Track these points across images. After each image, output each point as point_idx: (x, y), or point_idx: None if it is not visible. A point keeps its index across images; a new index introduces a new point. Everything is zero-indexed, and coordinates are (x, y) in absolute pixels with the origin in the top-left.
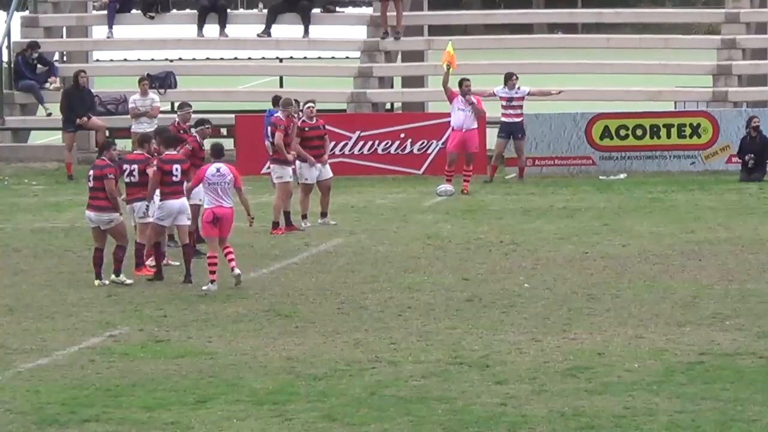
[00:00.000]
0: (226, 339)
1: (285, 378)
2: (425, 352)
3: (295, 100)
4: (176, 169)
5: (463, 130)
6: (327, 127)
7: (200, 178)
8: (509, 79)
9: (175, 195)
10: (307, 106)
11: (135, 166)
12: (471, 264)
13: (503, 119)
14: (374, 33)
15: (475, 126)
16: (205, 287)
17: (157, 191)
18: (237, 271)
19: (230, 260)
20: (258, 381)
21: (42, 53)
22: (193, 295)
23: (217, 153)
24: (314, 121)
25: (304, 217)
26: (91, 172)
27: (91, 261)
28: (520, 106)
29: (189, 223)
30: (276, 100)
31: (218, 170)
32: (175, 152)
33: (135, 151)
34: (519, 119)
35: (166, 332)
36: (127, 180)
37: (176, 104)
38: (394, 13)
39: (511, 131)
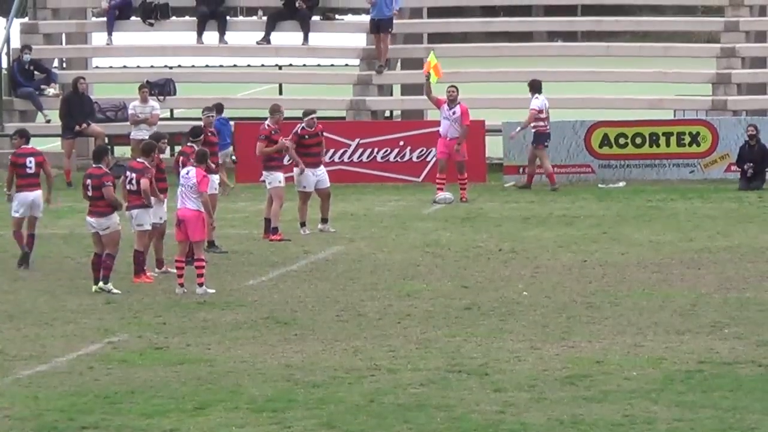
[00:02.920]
0: (225, 346)
1: (284, 385)
2: (424, 359)
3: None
4: (29, 161)
5: (447, 138)
6: (326, 134)
7: None
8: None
9: (30, 187)
10: (309, 117)
11: (134, 175)
12: (470, 272)
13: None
14: (373, 41)
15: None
16: (178, 290)
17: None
18: (200, 290)
19: (198, 275)
20: (257, 388)
21: (38, 60)
22: (192, 303)
23: (198, 158)
24: (313, 129)
25: (303, 224)
26: (89, 182)
27: (89, 267)
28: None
29: (41, 215)
30: (219, 108)
31: (188, 173)
32: (30, 147)
33: (137, 159)
34: (533, 129)
35: (165, 339)
36: (128, 187)
37: (171, 110)
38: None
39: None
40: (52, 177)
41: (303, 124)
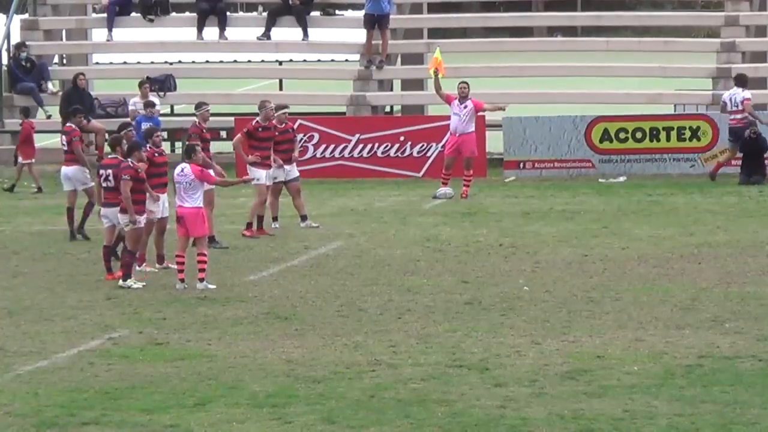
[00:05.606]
0: (226, 342)
1: (284, 381)
2: (425, 354)
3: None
4: (63, 139)
5: (457, 135)
6: (327, 129)
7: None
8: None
9: (66, 162)
10: (281, 112)
11: (109, 171)
12: (470, 267)
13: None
14: (374, 35)
15: (470, 130)
16: (178, 286)
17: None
18: (201, 285)
19: (199, 270)
20: (257, 384)
21: (35, 57)
22: (193, 298)
23: (186, 153)
24: (283, 126)
25: (275, 219)
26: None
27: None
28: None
29: (83, 187)
30: (150, 105)
31: (182, 170)
32: (69, 125)
33: (109, 156)
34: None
35: (166, 335)
36: (104, 185)
37: (174, 106)
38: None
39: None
40: (78, 155)
41: (259, 118)
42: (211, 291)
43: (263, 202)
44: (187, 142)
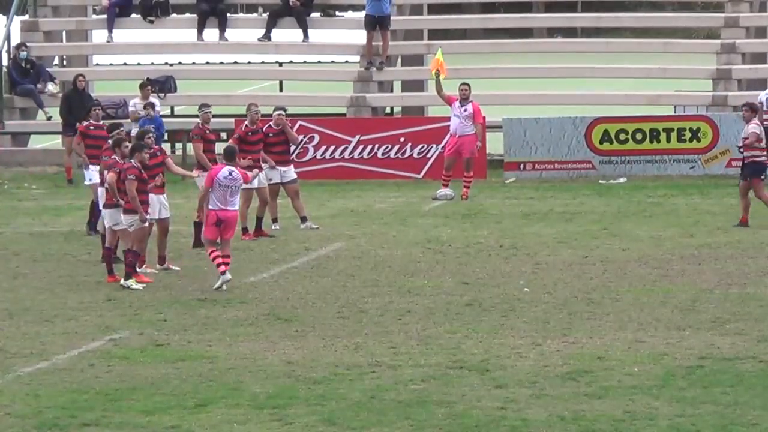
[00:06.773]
0: (226, 343)
1: (285, 382)
2: (425, 356)
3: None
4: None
5: (457, 136)
6: (327, 131)
7: (211, 179)
8: None
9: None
10: (278, 113)
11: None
12: (471, 268)
13: None
14: (374, 36)
15: (470, 132)
16: (219, 282)
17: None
18: (227, 276)
19: (225, 263)
20: (258, 385)
21: (36, 58)
22: (193, 299)
23: (229, 156)
24: (278, 127)
25: (275, 220)
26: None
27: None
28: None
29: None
30: (152, 106)
31: (230, 173)
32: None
33: (111, 157)
34: None
35: (166, 336)
36: (106, 186)
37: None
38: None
39: None
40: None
41: (270, 123)
42: (211, 292)
43: (264, 205)
44: (191, 143)
